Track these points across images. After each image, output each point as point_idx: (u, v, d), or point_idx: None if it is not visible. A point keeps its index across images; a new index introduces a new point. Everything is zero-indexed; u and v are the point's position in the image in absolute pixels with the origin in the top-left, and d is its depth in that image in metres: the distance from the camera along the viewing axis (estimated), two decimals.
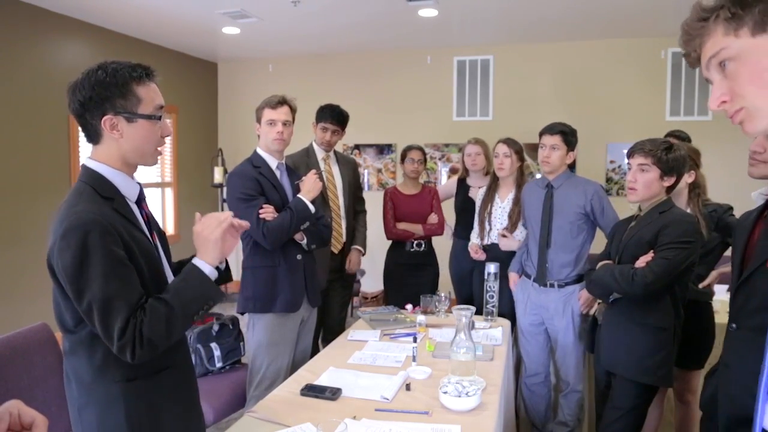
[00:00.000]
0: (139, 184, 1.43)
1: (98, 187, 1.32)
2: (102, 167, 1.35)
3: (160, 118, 1.38)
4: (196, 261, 1.39)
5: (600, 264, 2.27)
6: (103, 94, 1.30)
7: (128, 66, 1.33)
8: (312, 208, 2.43)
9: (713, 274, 2.53)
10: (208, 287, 1.37)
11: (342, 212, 3.26)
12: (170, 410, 1.41)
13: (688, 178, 2.55)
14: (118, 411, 1.32)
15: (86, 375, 1.33)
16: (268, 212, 2.37)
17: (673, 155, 2.12)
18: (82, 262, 1.21)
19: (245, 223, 1.50)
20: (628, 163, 2.21)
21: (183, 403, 1.47)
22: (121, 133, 1.33)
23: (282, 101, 2.46)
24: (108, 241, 1.23)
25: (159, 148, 1.43)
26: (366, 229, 3.49)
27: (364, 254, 3.42)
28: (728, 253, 2.57)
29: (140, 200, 1.43)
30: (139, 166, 1.43)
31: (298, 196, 2.44)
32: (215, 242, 1.39)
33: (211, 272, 1.39)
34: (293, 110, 2.51)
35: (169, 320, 1.28)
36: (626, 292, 2.10)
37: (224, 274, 1.61)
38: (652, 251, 2.08)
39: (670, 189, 2.19)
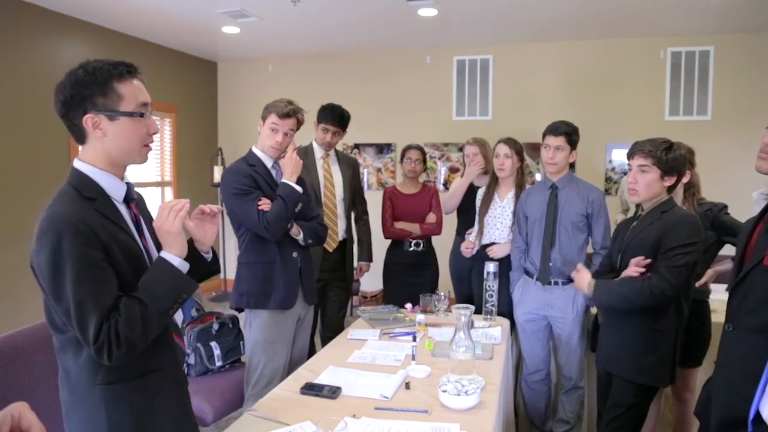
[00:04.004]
0: (128, 184, 1.41)
1: (81, 187, 1.31)
2: (88, 168, 1.34)
3: (142, 115, 1.35)
4: (163, 254, 1.35)
5: (595, 284, 2.20)
6: (84, 92, 1.29)
7: (109, 63, 1.32)
8: (299, 188, 2.43)
9: (709, 272, 2.54)
10: (178, 279, 1.34)
11: (339, 211, 3.27)
12: (156, 415, 1.38)
13: (683, 178, 2.56)
14: (100, 415, 1.30)
15: (73, 376, 1.32)
16: (266, 204, 2.37)
17: (673, 155, 2.12)
18: (56, 264, 1.20)
19: (216, 208, 1.53)
20: (629, 164, 2.20)
21: (171, 408, 1.43)
22: (104, 131, 1.32)
23: (291, 114, 2.41)
24: (80, 241, 1.21)
25: (149, 146, 1.40)
26: (370, 237, 3.56)
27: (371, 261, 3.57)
28: (724, 251, 2.59)
29: (129, 200, 1.41)
30: (132, 165, 1.42)
31: (283, 180, 2.43)
32: (177, 234, 1.35)
33: (180, 264, 1.35)
34: (300, 123, 2.48)
35: (144, 318, 1.25)
36: (646, 307, 2.07)
37: (212, 264, 1.60)
38: (644, 258, 2.07)
39: (671, 189, 2.19)
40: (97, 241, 1.25)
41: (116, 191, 1.37)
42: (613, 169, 5.42)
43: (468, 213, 3.41)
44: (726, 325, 1.53)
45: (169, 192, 5.98)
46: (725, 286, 2.85)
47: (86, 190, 1.31)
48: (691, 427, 2.62)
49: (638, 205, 2.28)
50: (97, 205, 1.31)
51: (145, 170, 5.62)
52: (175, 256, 1.35)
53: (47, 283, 1.22)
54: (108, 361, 1.23)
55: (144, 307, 1.26)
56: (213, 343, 2.74)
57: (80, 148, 1.38)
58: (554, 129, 2.72)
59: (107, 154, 1.35)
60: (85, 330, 1.21)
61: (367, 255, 3.54)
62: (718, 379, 1.55)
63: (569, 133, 2.71)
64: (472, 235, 3.25)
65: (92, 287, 1.22)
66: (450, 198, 3.54)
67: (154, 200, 5.82)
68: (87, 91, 1.29)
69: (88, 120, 1.30)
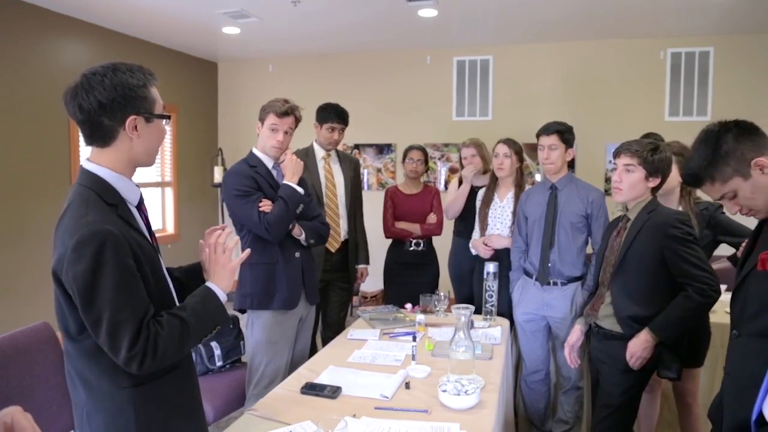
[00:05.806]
0: (137, 187, 1.42)
1: (102, 193, 1.30)
2: (104, 171, 1.33)
3: (169, 117, 1.40)
4: (212, 286, 1.43)
5: (653, 329, 2.05)
6: (129, 94, 1.30)
7: (141, 67, 1.35)
8: (300, 189, 2.44)
9: None
10: (221, 313, 1.42)
11: (341, 211, 3.27)
12: (177, 411, 1.41)
13: (680, 177, 2.57)
14: (128, 417, 1.31)
15: (93, 380, 1.31)
16: (267, 206, 2.38)
17: (658, 156, 2.13)
18: (95, 273, 1.20)
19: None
20: (615, 163, 2.22)
21: (188, 402, 1.47)
22: (139, 133, 1.33)
23: (289, 112, 2.42)
24: (121, 252, 1.23)
25: None
26: (366, 238, 3.54)
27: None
28: (719, 251, 2.60)
29: (140, 204, 1.42)
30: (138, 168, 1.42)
31: (284, 182, 2.44)
32: (231, 271, 1.47)
33: (223, 298, 1.43)
34: (298, 120, 2.50)
35: (182, 338, 1.30)
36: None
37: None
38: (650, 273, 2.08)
39: (655, 189, 2.20)
40: (130, 250, 1.26)
41: (132, 195, 1.38)
42: (613, 169, 5.42)
43: (467, 213, 3.41)
44: (732, 331, 1.54)
45: (169, 192, 5.98)
46: (722, 286, 2.85)
47: (108, 196, 1.31)
48: (698, 430, 2.61)
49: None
50: (119, 210, 1.31)
51: (145, 170, 5.62)
52: (222, 291, 1.43)
53: (81, 292, 1.21)
54: (137, 371, 1.24)
55: (186, 329, 1.31)
56: (213, 343, 2.75)
57: (92, 150, 1.35)
58: (546, 129, 2.77)
59: (131, 157, 1.36)
60: (117, 339, 1.21)
61: (364, 257, 3.51)
62: (727, 384, 1.54)
63: (561, 131, 2.74)
64: (476, 235, 3.24)
65: (129, 297, 1.23)
66: (452, 205, 3.51)
67: (154, 200, 5.83)
68: (132, 92, 1.30)
69: (131, 122, 1.31)
